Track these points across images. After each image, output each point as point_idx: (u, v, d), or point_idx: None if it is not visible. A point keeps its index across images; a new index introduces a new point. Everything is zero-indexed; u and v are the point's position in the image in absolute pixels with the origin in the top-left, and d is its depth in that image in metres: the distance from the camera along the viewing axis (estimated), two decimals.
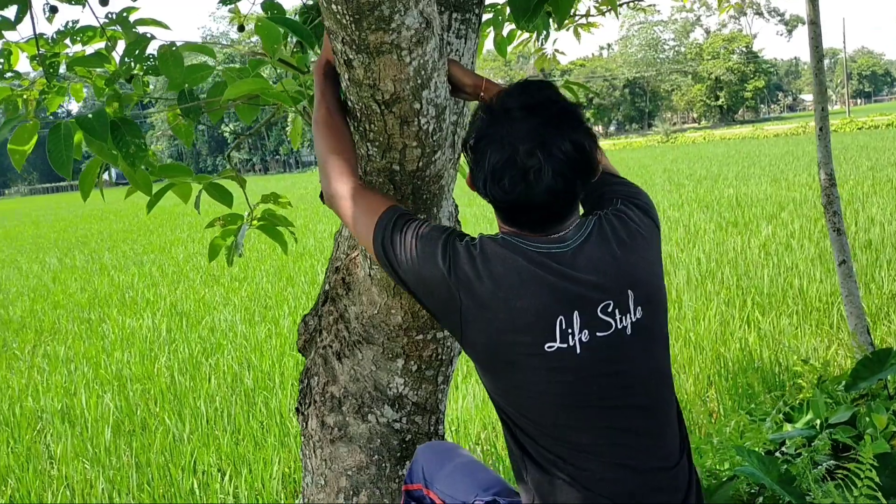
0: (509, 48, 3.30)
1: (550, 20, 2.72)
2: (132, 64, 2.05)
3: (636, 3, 4.42)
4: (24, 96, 2.22)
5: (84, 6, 2.10)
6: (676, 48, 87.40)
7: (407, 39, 1.31)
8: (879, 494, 2.32)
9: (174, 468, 3.90)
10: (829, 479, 2.74)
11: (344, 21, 1.28)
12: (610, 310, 1.29)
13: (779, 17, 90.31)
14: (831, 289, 5.92)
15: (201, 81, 2.17)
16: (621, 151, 45.79)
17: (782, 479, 2.62)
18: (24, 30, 9.28)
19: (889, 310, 5.40)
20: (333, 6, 1.27)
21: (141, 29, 2.10)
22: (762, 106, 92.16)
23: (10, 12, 1.97)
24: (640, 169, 24.77)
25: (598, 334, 1.28)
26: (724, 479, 2.85)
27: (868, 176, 14.24)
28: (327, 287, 2.01)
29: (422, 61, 1.36)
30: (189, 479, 3.78)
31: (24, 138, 1.74)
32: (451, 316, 1.32)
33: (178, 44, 2.02)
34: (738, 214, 11.02)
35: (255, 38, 1.78)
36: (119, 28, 2.12)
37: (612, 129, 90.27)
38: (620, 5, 3.75)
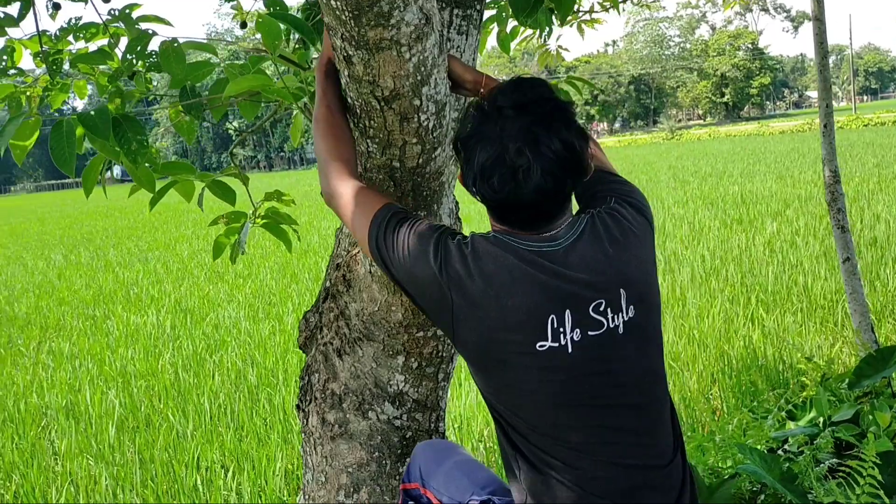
0: (513, 44, 3.30)
1: (553, 16, 2.71)
2: (134, 60, 2.05)
3: None
4: (28, 93, 2.22)
5: (87, 3, 2.11)
6: (682, 45, 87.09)
7: (406, 36, 1.31)
8: (882, 493, 2.32)
9: (178, 464, 3.90)
10: (831, 477, 2.73)
11: (343, 17, 1.28)
12: (602, 308, 1.28)
13: (785, 14, 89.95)
14: (836, 286, 5.90)
15: (203, 78, 2.17)
16: (626, 148, 45.72)
17: (784, 477, 2.61)
18: (27, 27, 9.27)
19: (894, 307, 5.38)
20: (332, 2, 1.27)
21: (143, 25, 2.10)
22: (768, 103, 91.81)
23: (14, 9, 1.97)
24: (645, 166, 24.72)
25: (589, 333, 1.28)
26: (725, 477, 2.84)
27: (874, 173, 14.18)
28: (328, 284, 2.01)
29: (421, 57, 1.36)
30: (192, 475, 3.79)
31: (25, 134, 1.74)
32: (443, 315, 1.32)
33: (181, 40, 2.02)
34: (743, 212, 10.99)
35: (259, 35, 1.78)
36: (122, 25, 2.12)
37: (617, 125, 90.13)
38: (623, 1, 3.73)
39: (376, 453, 1.93)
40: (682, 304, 6.03)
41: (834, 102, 4.38)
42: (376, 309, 1.84)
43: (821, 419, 3.16)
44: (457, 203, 1.92)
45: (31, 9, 1.96)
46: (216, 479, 3.74)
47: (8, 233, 22.51)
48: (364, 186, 1.47)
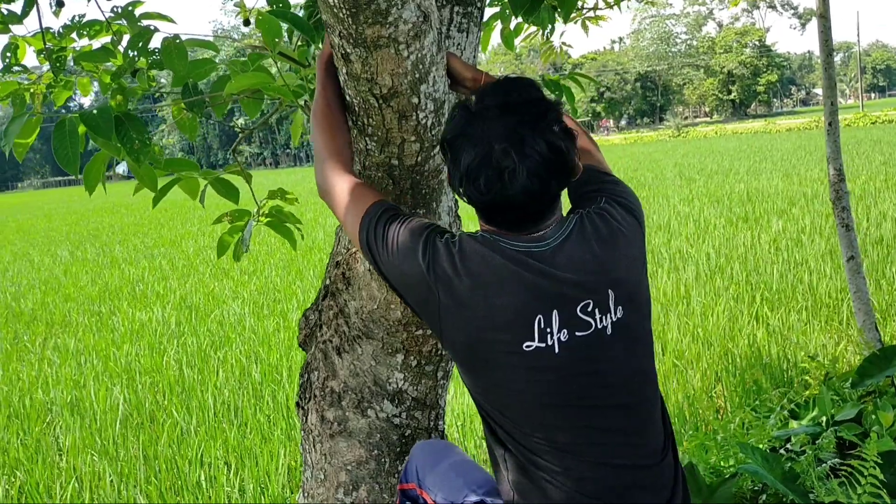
0: (516, 42, 3.29)
1: (557, 14, 2.70)
2: (135, 57, 2.05)
3: None
4: (31, 90, 2.23)
5: (90, 0, 2.11)
6: (688, 42, 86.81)
7: (404, 33, 1.31)
8: (883, 492, 2.31)
9: (181, 461, 3.92)
10: (833, 476, 2.72)
11: (341, 15, 1.28)
12: (590, 309, 1.28)
13: (792, 11, 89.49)
14: (841, 284, 5.87)
15: (206, 76, 2.18)
16: (632, 146, 45.57)
17: (786, 476, 2.60)
18: (31, 24, 9.28)
19: None
20: (330, 0, 1.27)
21: (146, 23, 2.10)
22: (775, 100, 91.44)
23: (17, 6, 1.98)
24: (651, 163, 24.66)
25: (577, 334, 1.27)
26: (726, 477, 2.84)
27: (881, 171, 14.12)
28: (328, 282, 2.01)
29: (420, 55, 1.36)
30: (196, 471, 3.80)
31: (26, 131, 1.75)
32: (430, 313, 1.32)
33: (184, 38, 2.02)
34: (749, 209, 10.96)
35: None
36: (125, 22, 2.13)
37: (623, 123, 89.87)
38: None
39: (375, 451, 1.93)
40: (687, 302, 6.02)
41: (841, 100, 4.37)
42: (375, 307, 1.84)
43: (824, 418, 3.15)
44: (456, 201, 1.92)
45: (35, 6, 1.96)
46: (219, 475, 3.75)
47: (15, 229, 22.60)
48: (358, 182, 1.47)
